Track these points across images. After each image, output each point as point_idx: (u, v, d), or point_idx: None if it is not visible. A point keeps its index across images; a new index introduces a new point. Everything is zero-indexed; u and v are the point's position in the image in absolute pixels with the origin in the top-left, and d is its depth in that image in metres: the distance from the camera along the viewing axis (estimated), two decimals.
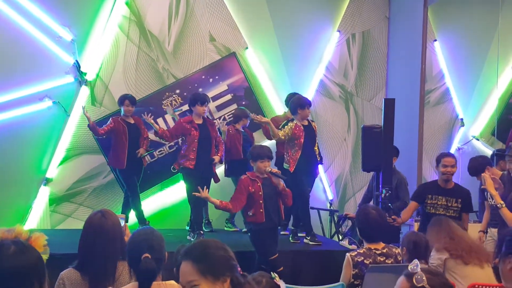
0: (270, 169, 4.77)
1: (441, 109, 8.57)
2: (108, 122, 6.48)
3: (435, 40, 8.47)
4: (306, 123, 5.79)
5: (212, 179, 6.13)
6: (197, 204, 5.91)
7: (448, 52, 8.53)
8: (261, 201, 4.76)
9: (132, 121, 6.53)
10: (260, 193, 4.75)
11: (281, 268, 4.64)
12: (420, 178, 7.64)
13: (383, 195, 5.51)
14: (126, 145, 6.42)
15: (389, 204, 5.45)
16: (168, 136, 6.22)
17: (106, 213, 3.12)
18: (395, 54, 8.49)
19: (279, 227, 5.30)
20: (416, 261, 2.07)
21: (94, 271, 2.97)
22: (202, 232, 5.96)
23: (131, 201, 6.46)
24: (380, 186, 5.46)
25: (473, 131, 8.69)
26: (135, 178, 6.51)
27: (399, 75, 8.38)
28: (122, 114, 6.52)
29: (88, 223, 3.12)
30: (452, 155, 5.42)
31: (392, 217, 5.37)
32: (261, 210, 4.75)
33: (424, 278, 1.96)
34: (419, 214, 7.31)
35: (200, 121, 6.11)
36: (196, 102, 6.08)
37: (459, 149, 8.57)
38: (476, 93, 8.65)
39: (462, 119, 8.63)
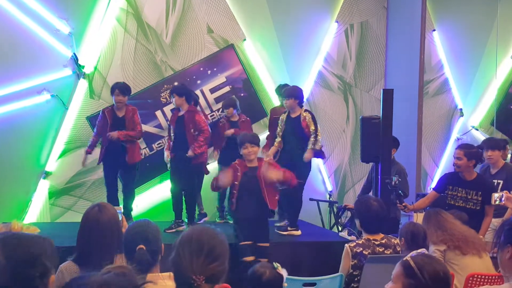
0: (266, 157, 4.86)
1: (440, 100, 8.56)
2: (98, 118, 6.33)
3: (434, 30, 8.45)
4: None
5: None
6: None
7: (447, 42, 8.51)
8: (234, 191, 4.92)
9: (121, 114, 6.17)
10: (236, 182, 4.90)
11: (266, 260, 4.60)
12: (419, 169, 7.65)
13: (393, 182, 5.48)
14: (105, 139, 6.19)
15: (400, 192, 5.42)
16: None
17: (103, 206, 3.12)
18: (394, 44, 8.47)
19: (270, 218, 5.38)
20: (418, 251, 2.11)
21: (91, 264, 2.99)
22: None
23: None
24: (379, 177, 5.45)
25: (472, 121, 8.68)
26: (114, 175, 6.31)
27: (398, 65, 8.36)
28: (113, 104, 6.27)
29: (85, 217, 3.14)
30: (460, 147, 5.24)
31: (403, 204, 5.36)
32: (233, 199, 4.95)
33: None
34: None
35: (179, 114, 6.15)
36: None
37: (458, 139, 8.57)
38: (475, 83, 8.63)
39: (461, 109, 8.63)
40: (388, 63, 8.59)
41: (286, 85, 6.67)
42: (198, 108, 6.73)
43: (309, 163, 5.98)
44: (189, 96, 6.20)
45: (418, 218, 6.31)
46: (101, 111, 6.34)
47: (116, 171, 6.34)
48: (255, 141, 4.98)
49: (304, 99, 6.24)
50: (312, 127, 5.85)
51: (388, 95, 5.58)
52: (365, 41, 8.50)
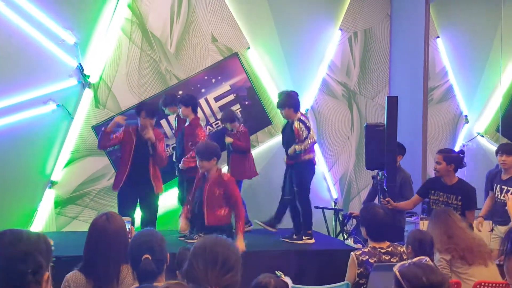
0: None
1: (445, 106, 8.54)
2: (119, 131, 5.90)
3: (438, 37, 8.45)
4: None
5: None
6: None
7: (451, 49, 8.51)
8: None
9: (147, 136, 5.76)
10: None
11: None
12: (425, 176, 7.61)
13: (378, 177, 5.50)
14: (127, 163, 5.81)
15: (384, 187, 5.43)
16: None
17: (111, 216, 3.13)
18: (398, 51, 8.48)
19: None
20: (424, 257, 2.10)
21: (98, 273, 2.99)
22: None
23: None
24: (385, 184, 5.45)
25: (478, 128, 8.66)
26: (132, 205, 5.87)
27: (402, 72, 8.36)
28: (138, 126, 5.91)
29: (92, 226, 3.14)
30: (439, 152, 5.27)
31: (386, 199, 5.35)
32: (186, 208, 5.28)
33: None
34: (424, 211, 7.31)
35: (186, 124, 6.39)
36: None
37: (463, 146, 8.54)
38: (480, 90, 8.61)
39: (466, 116, 8.60)
40: (392, 70, 8.60)
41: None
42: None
43: (308, 168, 5.94)
44: (195, 106, 6.31)
45: (424, 225, 6.30)
46: (124, 126, 5.93)
47: (136, 201, 5.97)
48: (203, 154, 4.91)
49: (300, 102, 6.18)
50: (304, 134, 5.84)
51: (392, 102, 5.60)
52: (369, 49, 8.51)
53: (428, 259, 2.13)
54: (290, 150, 5.84)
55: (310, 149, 5.93)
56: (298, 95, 6.10)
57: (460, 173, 8.33)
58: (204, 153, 4.88)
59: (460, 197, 5.08)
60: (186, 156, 6.17)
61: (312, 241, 6.00)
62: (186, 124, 6.33)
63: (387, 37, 8.59)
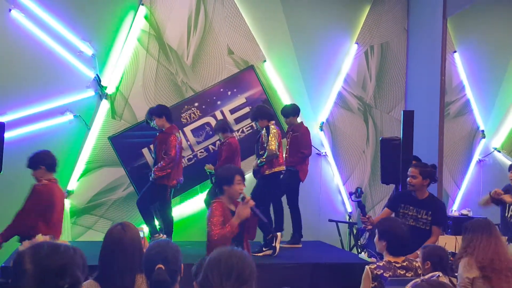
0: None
1: (462, 121, 8.49)
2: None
3: (455, 52, 8.42)
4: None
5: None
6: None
7: (468, 63, 8.47)
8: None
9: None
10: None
11: None
12: (441, 191, 7.55)
13: (357, 193, 5.42)
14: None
15: (363, 204, 5.36)
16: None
17: (126, 226, 3.15)
18: (414, 65, 8.45)
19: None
20: (436, 273, 2.08)
21: (113, 283, 3.00)
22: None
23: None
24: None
25: (495, 143, 8.57)
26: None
27: (419, 87, 8.33)
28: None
29: (108, 235, 3.15)
30: (415, 166, 5.06)
31: (367, 216, 5.26)
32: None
33: None
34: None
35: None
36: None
37: (480, 161, 8.47)
38: (497, 104, 8.55)
39: (483, 130, 8.53)
40: (408, 84, 8.57)
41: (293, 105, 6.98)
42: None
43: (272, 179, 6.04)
44: (168, 115, 6.32)
45: (440, 241, 6.21)
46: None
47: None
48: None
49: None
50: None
51: (408, 116, 5.56)
52: (385, 62, 8.50)
53: (440, 274, 2.09)
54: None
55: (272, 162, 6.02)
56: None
57: (477, 188, 8.29)
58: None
59: (430, 212, 4.89)
60: (156, 166, 6.16)
61: (271, 251, 5.92)
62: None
63: (403, 51, 8.57)
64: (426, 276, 2.09)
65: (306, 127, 6.75)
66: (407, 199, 5.02)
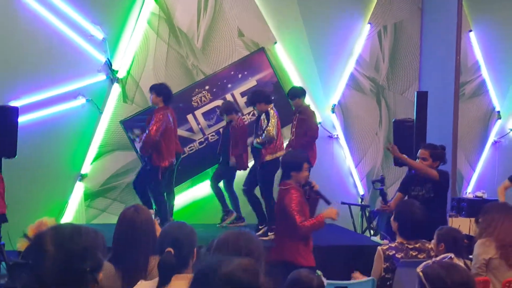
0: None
1: (477, 102, 8.35)
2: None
3: (471, 31, 8.25)
4: None
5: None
6: None
7: (484, 43, 8.30)
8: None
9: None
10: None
11: None
12: (455, 173, 7.48)
13: (381, 181, 5.38)
14: None
15: (385, 192, 5.34)
16: None
17: (139, 208, 3.18)
18: (429, 45, 8.31)
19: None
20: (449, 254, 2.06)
21: (126, 264, 3.02)
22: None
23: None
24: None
25: (511, 124, 8.44)
26: None
27: (433, 67, 8.20)
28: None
29: (121, 217, 3.18)
30: (425, 148, 5.06)
31: (388, 204, 5.27)
32: None
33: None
34: (453, 209, 7.17)
35: None
36: None
37: (495, 142, 8.35)
38: None
39: (499, 111, 8.39)
40: (422, 64, 8.44)
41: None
42: None
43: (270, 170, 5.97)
44: (167, 97, 6.22)
45: (453, 223, 6.18)
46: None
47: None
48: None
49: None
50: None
51: (422, 97, 5.50)
52: (398, 43, 8.38)
53: (453, 256, 2.06)
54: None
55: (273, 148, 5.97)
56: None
57: (492, 170, 8.19)
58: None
59: (430, 184, 4.97)
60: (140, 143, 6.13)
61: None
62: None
63: (417, 31, 8.43)
64: (438, 258, 2.06)
65: (313, 111, 6.71)
66: (417, 181, 5.02)
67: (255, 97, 6.22)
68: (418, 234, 3.84)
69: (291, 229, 4.09)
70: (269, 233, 5.89)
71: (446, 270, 1.99)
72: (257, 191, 6.38)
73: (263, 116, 6.05)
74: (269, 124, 5.93)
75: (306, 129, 6.47)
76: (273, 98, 6.65)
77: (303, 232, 4.07)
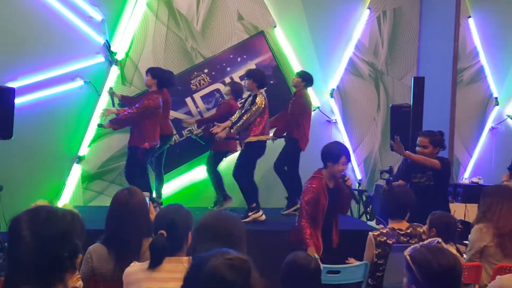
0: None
1: (475, 88, 8.35)
2: None
3: (470, 17, 8.22)
4: None
5: None
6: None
7: (482, 29, 8.28)
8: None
9: None
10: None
11: None
12: (451, 158, 7.50)
13: (390, 172, 5.40)
14: None
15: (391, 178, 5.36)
16: None
17: (132, 190, 3.19)
18: (428, 31, 8.29)
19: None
20: (436, 239, 2.09)
21: (119, 246, 3.05)
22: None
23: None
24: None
25: (508, 110, 8.45)
26: None
27: (432, 53, 8.19)
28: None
29: (115, 200, 3.20)
30: (424, 135, 5.06)
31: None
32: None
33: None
34: (449, 194, 7.20)
35: None
36: None
37: (492, 128, 8.37)
38: (511, 71, 8.39)
39: (496, 98, 8.40)
40: (421, 50, 8.43)
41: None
42: None
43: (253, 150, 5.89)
44: (161, 81, 6.12)
45: (454, 208, 6.20)
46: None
47: None
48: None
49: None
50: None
51: (419, 82, 5.49)
52: (397, 28, 8.35)
53: (440, 240, 2.09)
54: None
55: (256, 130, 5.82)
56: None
57: (489, 156, 8.22)
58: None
59: (431, 172, 4.99)
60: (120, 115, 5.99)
61: (260, 214, 5.88)
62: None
63: (416, 16, 8.41)
64: (426, 242, 2.09)
65: (302, 92, 6.66)
66: (418, 168, 5.02)
67: (254, 73, 6.05)
68: (403, 213, 3.87)
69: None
70: (248, 214, 5.85)
71: (432, 253, 2.01)
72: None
73: (249, 99, 5.87)
74: (249, 110, 5.75)
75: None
76: (270, 82, 6.60)
77: (297, 229, 4.16)
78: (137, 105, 5.94)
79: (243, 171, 5.87)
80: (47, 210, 1.72)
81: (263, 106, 5.81)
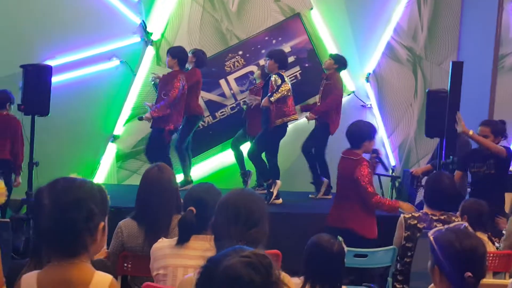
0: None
1: None
2: None
3: None
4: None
5: None
6: None
7: None
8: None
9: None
10: None
11: None
12: None
13: (449, 160, 5.32)
14: None
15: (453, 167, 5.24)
16: None
17: (162, 167, 3.24)
18: (469, 15, 8.04)
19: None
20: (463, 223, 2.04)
21: (149, 221, 3.09)
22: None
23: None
24: (443, 152, 5.26)
25: None
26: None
27: (473, 38, 7.95)
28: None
29: (145, 176, 3.26)
30: (487, 125, 5.07)
31: None
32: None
33: None
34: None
35: None
36: None
37: None
38: None
39: None
40: (462, 35, 8.18)
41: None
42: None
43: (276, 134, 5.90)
44: (182, 60, 6.19)
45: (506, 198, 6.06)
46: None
47: None
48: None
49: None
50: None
51: (457, 68, 5.33)
52: (438, 11, 8.12)
53: (466, 225, 2.05)
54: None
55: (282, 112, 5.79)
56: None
57: None
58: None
59: (492, 160, 4.95)
60: (155, 106, 6.12)
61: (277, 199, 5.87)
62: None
63: (458, 0, 8.15)
64: (452, 225, 2.05)
65: (336, 76, 6.55)
66: (478, 157, 4.99)
67: (276, 53, 6.00)
68: (444, 205, 3.80)
69: (357, 199, 4.26)
70: (271, 190, 5.84)
71: (456, 234, 1.99)
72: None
73: (274, 77, 5.79)
74: (279, 90, 5.72)
75: (330, 92, 6.39)
76: (305, 65, 6.46)
77: (375, 205, 4.31)
78: (163, 101, 6.05)
79: (269, 153, 5.91)
80: (65, 179, 1.79)
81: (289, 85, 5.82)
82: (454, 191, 3.86)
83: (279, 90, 5.68)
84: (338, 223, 4.24)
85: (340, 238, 2.66)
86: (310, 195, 6.56)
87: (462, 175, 5.25)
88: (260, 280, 1.32)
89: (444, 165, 5.20)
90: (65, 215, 1.71)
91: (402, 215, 3.77)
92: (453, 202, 3.93)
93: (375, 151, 4.49)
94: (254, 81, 7.28)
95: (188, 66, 6.47)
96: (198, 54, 6.51)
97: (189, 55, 6.41)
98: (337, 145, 6.41)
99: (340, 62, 6.57)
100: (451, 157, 5.19)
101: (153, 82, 6.70)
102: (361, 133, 4.38)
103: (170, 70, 6.39)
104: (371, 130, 4.43)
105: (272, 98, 5.68)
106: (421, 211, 3.81)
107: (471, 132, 4.96)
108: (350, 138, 4.43)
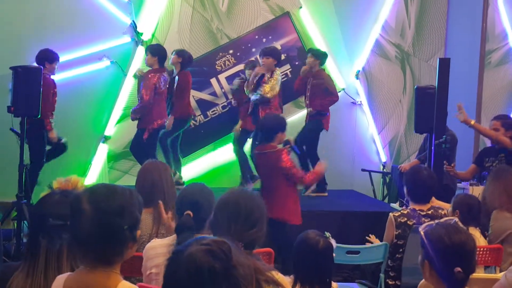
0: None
1: (503, 70, 8.16)
2: None
3: None
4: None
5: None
6: None
7: None
8: None
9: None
10: None
11: None
12: (478, 142, 7.40)
13: (442, 139, 5.38)
14: None
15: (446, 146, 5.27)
16: None
17: (157, 161, 3.41)
18: (456, 12, 8.12)
19: None
20: (453, 218, 2.09)
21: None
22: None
23: None
24: (433, 148, 5.33)
25: None
26: None
27: (459, 34, 8.03)
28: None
29: (142, 168, 3.64)
30: (498, 118, 5.16)
31: (452, 164, 5.32)
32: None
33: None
34: (475, 178, 7.14)
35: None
36: None
37: None
38: None
39: None
40: (449, 31, 8.26)
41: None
42: None
43: None
44: (162, 58, 6.35)
45: (474, 191, 6.15)
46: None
47: None
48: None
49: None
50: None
51: (444, 64, 5.40)
52: (425, 9, 8.20)
53: (457, 220, 2.09)
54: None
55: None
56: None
57: None
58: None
59: (503, 154, 5.03)
60: (132, 109, 6.34)
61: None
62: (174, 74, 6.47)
63: None
64: (442, 220, 2.09)
65: (324, 73, 6.67)
66: (491, 153, 5.09)
67: (275, 51, 6.28)
68: (427, 195, 3.86)
69: (282, 188, 4.43)
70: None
71: (445, 229, 2.00)
72: None
73: (268, 75, 6.07)
74: (272, 83, 5.92)
75: (324, 93, 6.45)
76: (295, 63, 6.54)
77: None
78: (137, 105, 6.32)
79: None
80: (106, 186, 1.77)
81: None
82: (434, 181, 3.91)
83: (270, 82, 5.97)
84: (269, 214, 4.26)
85: (328, 234, 2.68)
86: (304, 193, 6.60)
87: (475, 168, 5.35)
88: (220, 266, 1.34)
89: (437, 145, 5.23)
90: (110, 222, 1.66)
91: (391, 214, 3.82)
92: (436, 192, 3.96)
93: (287, 142, 4.69)
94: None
95: (174, 66, 6.51)
96: (184, 54, 6.54)
97: (172, 55, 6.45)
98: (321, 141, 6.59)
99: (320, 56, 6.64)
100: (444, 136, 5.24)
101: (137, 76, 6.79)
102: (273, 126, 4.56)
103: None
104: (282, 122, 4.64)
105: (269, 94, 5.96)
106: (408, 208, 3.86)
107: (472, 122, 5.09)
108: (263, 132, 4.60)
